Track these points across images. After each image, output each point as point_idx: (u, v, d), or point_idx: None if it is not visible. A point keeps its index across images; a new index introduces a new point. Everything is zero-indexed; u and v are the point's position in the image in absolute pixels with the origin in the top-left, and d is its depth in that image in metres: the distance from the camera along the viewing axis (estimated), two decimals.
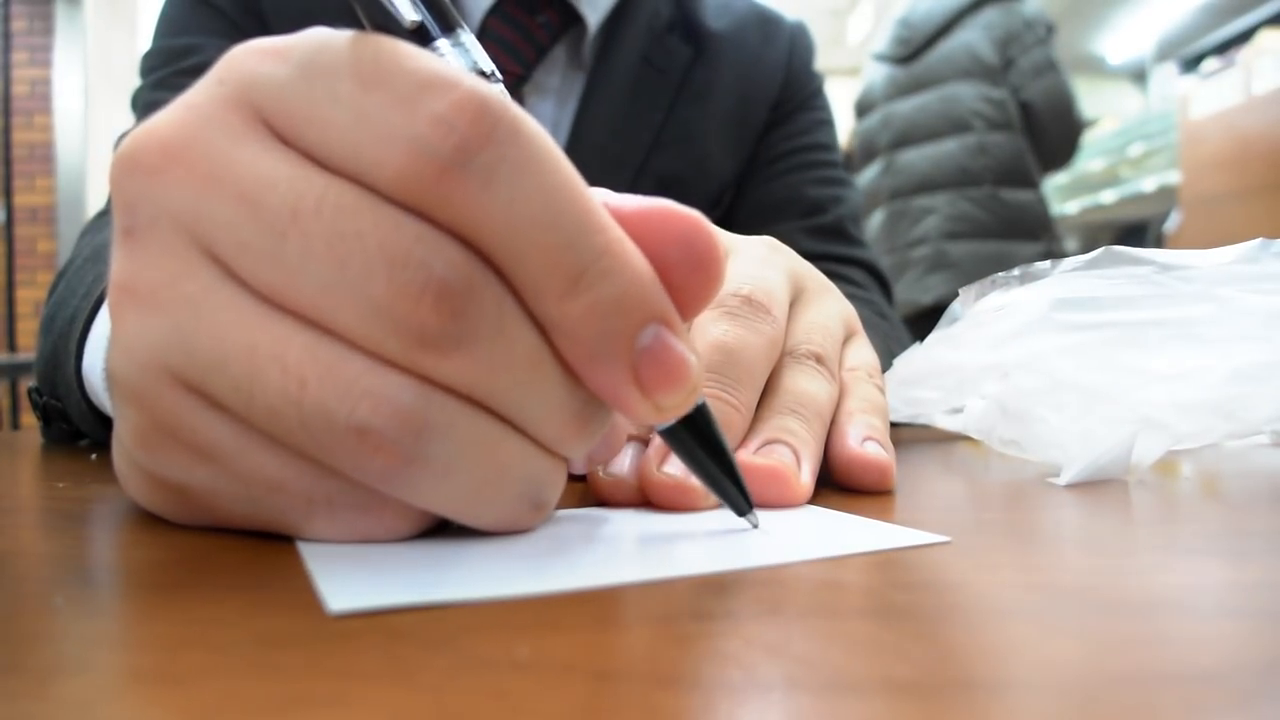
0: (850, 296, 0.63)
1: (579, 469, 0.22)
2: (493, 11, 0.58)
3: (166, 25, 0.58)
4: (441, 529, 0.20)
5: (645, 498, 0.24)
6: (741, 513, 0.21)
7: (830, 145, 0.72)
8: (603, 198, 0.18)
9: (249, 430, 0.17)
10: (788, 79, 0.69)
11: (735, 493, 0.21)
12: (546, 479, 0.19)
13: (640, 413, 0.18)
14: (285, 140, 0.17)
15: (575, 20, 0.60)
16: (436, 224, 0.16)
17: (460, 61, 0.19)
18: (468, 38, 0.20)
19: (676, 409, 0.19)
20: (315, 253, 0.16)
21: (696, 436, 0.20)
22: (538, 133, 0.17)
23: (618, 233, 0.17)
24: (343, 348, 0.16)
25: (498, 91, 0.17)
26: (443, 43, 0.19)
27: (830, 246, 0.67)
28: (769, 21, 0.70)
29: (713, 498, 0.24)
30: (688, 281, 0.18)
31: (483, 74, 0.20)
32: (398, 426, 0.16)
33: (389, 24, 0.19)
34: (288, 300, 0.16)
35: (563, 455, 0.19)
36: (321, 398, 0.16)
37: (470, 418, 0.17)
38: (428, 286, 0.16)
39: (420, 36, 0.19)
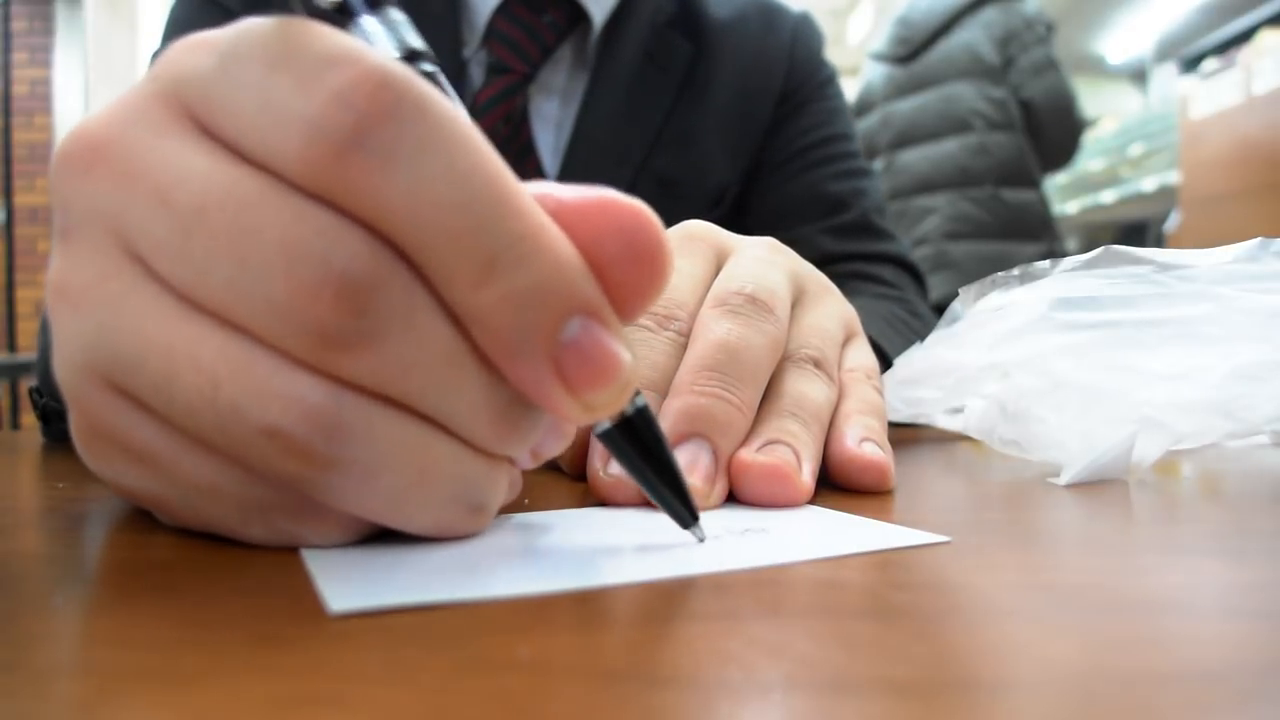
0: (881, 296, 0.63)
1: (526, 464, 0.21)
2: (499, 11, 0.58)
3: (174, 26, 0.58)
4: None
5: (645, 498, 0.24)
6: (685, 525, 0.20)
7: (847, 135, 0.69)
8: (543, 189, 0.18)
9: (177, 434, 0.17)
10: (792, 68, 0.67)
11: (678, 504, 0.19)
12: (482, 481, 0.18)
13: (566, 411, 0.17)
14: (209, 133, 0.17)
15: (581, 18, 0.60)
16: (343, 211, 0.16)
17: (387, 39, 0.19)
18: (396, 14, 0.19)
19: (606, 408, 0.17)
20: (219, 250, 0.16)
21: (635, 441, 0.19)
22: (447, 111, 0.16)
23: (538, 218, 0.16)
24: (255, 347, 0.16)
25: (406, 69, 0.16)
26: (368, 19, 0.19)
27: (857, 244, 0.65)
28: (771, 11, 0.69)
29: (714, 498, 0.24)
30: (627, 276, 0.17)
31: (412, 52, 0.19)
32: (308, 428, 0.16)
33: (315, 5, 0.18)
34: (200, 299, 0.16)
35: (498, 455, 0.19)
36: (234, 398, 0.16)
37: (389, 418, 0.16)
38: (327, 282, 0.15)
39: (345, 14, 0.18)
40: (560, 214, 0.17)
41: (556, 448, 0.21)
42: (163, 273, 0.16)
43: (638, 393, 0.19)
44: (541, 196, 0.17)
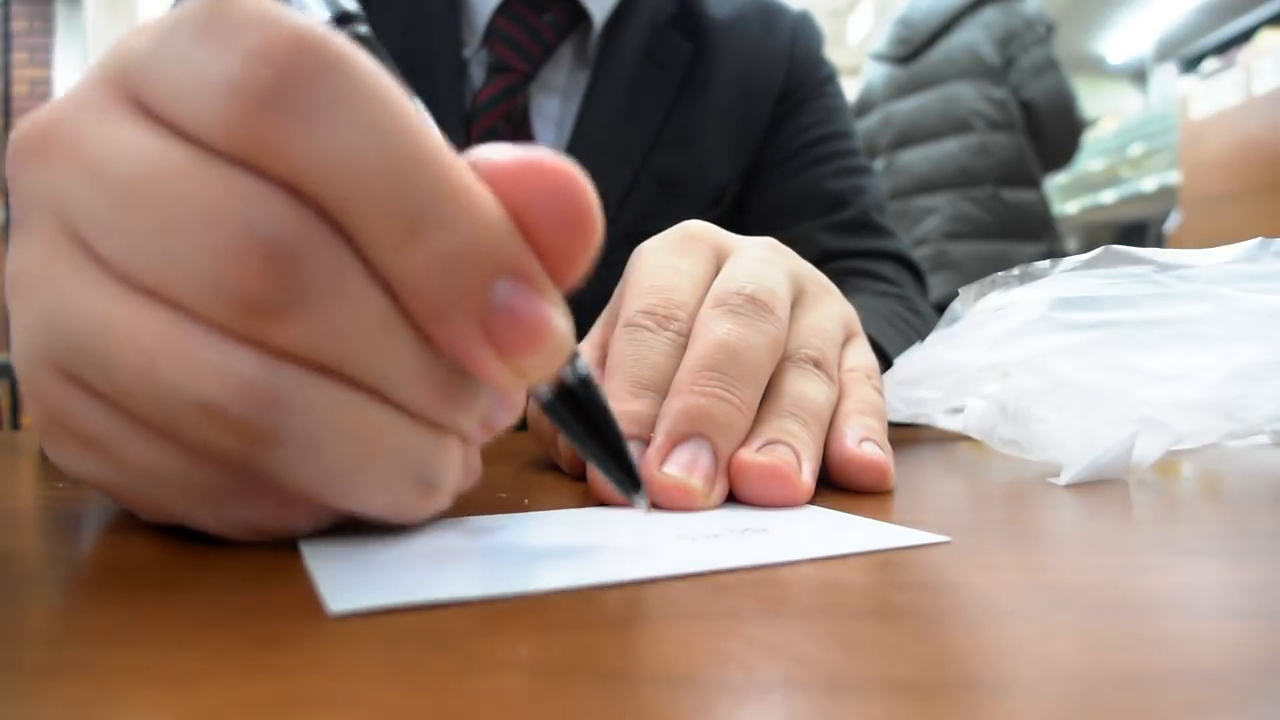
0: (882, 294, 0.63)
1: (478, 439, 0.20)
2: (499, 11, 0.58)
3: None
4: (440, 530, 0.20)
5: None
6: (628, 493, 0.20)
7: (847, 133, 0.70)
8: (477, 152, 0.17)
9: (122, 417, 0.17)
10: (792, 67, 0.68)
11: (619, 473, 0.20)
12: (429, 453, 0.18)
13: (498, 377, 0.17)
14: (149, 112, 0.17)
15: (582, 17, 0.60)
16: (266, 176, 0.15)
17: (319, 2, 0.19)
18: None
19: (539, 372, 0.17)
20: (150, 224, 0.16)
21: (577, 411, 0.19)
22: (368, 70, 0.16)
23: (463, 178, 0.16)
24: (191, 323, 0.16)
25: (325, 29, 0.16)
26: None
27: (857, 241, 0.65)
28: (771, 10, 0.69)
29: (714, 498, 0.24)
30: (556, 238, 0.17)
31: (346, 14, 0.19)
32: (243, 401, 0.16)
33: None
34: (136, 275, 0.16)
35: (446, 427, 0.18)
36: (170, 375, 0.16)
37: (326, 390, 0.16)
38: (252, 250, 0.15)
39: None
40: (491, 177, 0.17)
41: (507, 419, 0.20)
42: (102, 253, 0.16)
43: (580, 359, 0.19)
44: (473, 160, 0.17)
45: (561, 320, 0.17)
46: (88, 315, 0.16)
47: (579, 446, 0.20)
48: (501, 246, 0.16)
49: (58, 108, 0.17)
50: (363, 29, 0.19)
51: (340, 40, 0.16)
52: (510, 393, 0.20)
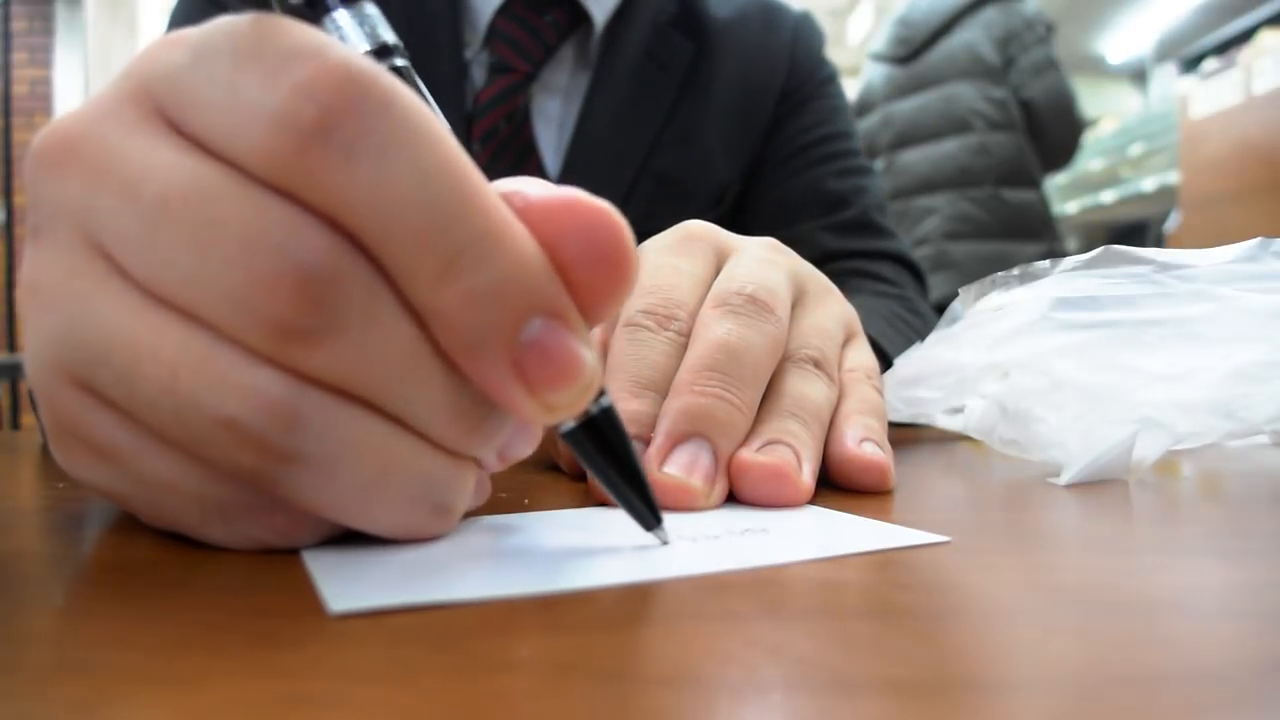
0: (882, 294, 0.63)
1: (493, 467, 0.20)
2: (501, 11, 0.58)
3: (175, 27, 0.58)
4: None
5: None
6: (648, 527, 0.20)
7: (848, 133, 0.70)
8: (512, 187, 0.17)
9: (140, 430, 0.17)
10: (793, 67, 0.68)
11: (641, 505, 0.19)
12: (447, 481, 0.18)
13: (527, 412, 0.17)
14: (178, 129, 0.17)
15: (583, 18, 0.60)
16: (306, 206, 0.16)
17: (359, 32, 0.19)
18: (370, 8, 0.19)
19: (567, 409, 0.17)
20: (182, 242, 0.16)
21: (599, 442, 0.19)
22: (413, 106, 0.16)
23: (502, 216, 0.16)
24: (216, 340, 0.16)
25: (371, 63, 0.16)
26: (341, 13, 0.19)
27: (857, 242, 0.65)
28: (772, 10, 0.69)
29: (714, 498, 0.24)
30: (591, 278, 0.17)
31: (384, 46, 0.19)
32: (266, 420, 0.16)
33: (288, 1, 0.18)
34: (164, 292, 0.16)
35: (464, 455, 0.18)
36: (192, 389, 0.16)
37: (349, 413, 0.16)
38: (285, 274, 0.15)
39: (319, 9, 0.18)
40: (526, 213, 0.17)
41: (525, 449, 0.21)
42: (128, 267, 0.16)
43: (603, 393, 0.19)
44: (509, 194, 0.17)
45: (591, 357, 0.17)
46: (110, 327, 0.16)
47: (599, 476, 0.19)
48: (537, 285, 0.16)
49: (80, 118, 0.17)
50: (401, 61, 0.19)
51: (386, 76, 0.16)
52: (533, 426, 0.20)
